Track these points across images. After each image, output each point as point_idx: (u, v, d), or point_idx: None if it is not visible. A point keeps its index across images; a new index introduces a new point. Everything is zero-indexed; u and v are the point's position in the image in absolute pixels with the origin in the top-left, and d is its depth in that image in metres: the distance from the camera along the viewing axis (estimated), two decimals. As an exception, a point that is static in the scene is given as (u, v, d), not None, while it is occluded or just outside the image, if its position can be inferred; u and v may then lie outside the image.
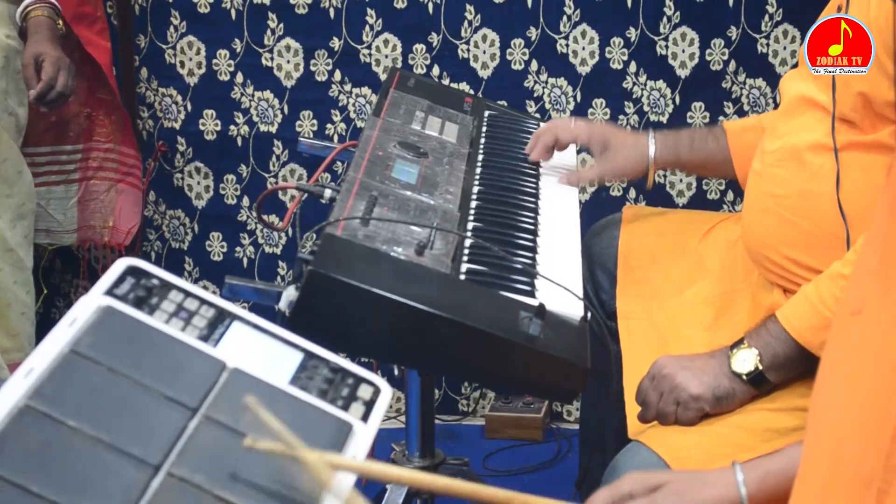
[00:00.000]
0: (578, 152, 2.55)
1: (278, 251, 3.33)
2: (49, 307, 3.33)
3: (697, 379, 1.88)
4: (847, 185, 1.89)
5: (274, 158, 3.26)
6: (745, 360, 1.88)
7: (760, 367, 1.87)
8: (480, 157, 2.33)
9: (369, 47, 3.16)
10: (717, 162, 2.32)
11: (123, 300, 1.25)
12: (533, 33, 3.13)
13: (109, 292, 1.25)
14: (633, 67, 3.14)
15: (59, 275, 3.34)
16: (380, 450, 2.84)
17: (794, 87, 2.02)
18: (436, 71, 3.17)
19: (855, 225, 1.87)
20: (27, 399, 1.10)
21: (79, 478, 1.06)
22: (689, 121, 3.16)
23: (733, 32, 3.11)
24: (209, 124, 3.25)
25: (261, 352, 1.29)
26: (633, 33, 3.12)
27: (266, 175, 3.27)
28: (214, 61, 3.20)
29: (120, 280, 1.27)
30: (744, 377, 1.88)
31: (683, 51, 3.13)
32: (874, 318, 0.98)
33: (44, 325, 3.06)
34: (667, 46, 3.13)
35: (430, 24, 3.14)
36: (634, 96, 3.16)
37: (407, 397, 2.25)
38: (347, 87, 3.19)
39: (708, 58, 3.13)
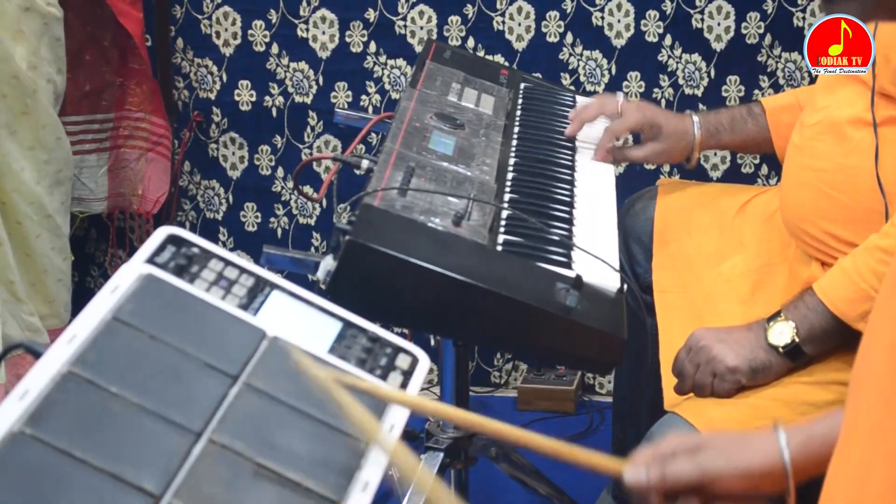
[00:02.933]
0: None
1: (312, 222, 3.33)
2: (84, 276, 3.35)
3: (734, 351, 1.88)
4: (886, 159, 1.89)
5: (308, 129, 3.26)
6: (782, 333, 1.88)
7: (797, 340, 1.87)
8: (516, 130, 2.32)
9: (404, 19, 3.16)
10: (758, 142, 2.35)
11: (164, 268, 1.26)
12: (568, 5, 3.12)
13: (150, 260, 1.26)
14: (668, 40, 3.13)
15: (94, 244, 3.36)
16: (414, 421, 2.86)
17: (834, 61, 2.02)
18: (471, 43, 3.16)
19: (893, 199, 1.87)
20: (70, 365, 1.11)
21: (121, 443, 1.07)
22: (723, 94, 3.14)
23: (769, 6, 3.09)
24: (244, 95, 3.25)
25: (300, 321, 1.30)
26: (668, 6, 3.10)
27: (301, 146, 3.27)
28: (250, 32, 3.20)
29: (161, 248, 1.28)
30: (780, 350, 1.88)
31: (719, 24, 3.11)
32: None
33: (78, 294, 3.08)
34: (702, 19, 3.11)
35: (466, -5, 3.14)
36: (669, 69, 3.15)
37: (441, 368, 2.25)
38: (382, 59, 3.19)
39: (744, 31, 3.11)
